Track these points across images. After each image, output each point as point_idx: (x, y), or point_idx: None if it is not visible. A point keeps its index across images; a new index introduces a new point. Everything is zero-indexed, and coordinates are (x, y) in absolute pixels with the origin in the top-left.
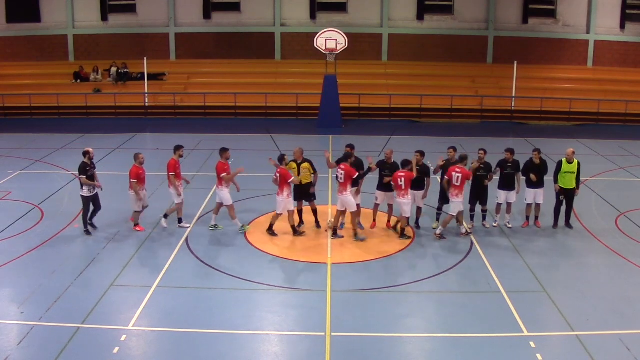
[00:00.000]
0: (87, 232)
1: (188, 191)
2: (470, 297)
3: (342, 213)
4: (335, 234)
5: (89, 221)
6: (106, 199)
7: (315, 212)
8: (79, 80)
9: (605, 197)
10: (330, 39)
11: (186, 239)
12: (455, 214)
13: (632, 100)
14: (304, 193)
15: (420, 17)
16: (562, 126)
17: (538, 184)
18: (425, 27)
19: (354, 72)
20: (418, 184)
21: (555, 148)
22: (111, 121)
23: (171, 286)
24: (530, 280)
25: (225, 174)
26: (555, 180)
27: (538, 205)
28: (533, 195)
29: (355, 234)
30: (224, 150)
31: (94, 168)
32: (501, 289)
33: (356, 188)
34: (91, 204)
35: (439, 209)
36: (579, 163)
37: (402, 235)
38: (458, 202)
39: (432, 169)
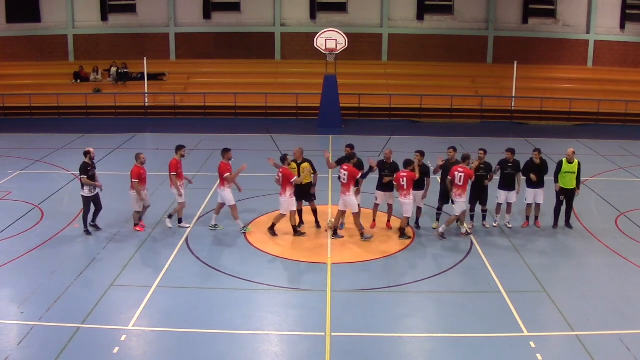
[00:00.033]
0: (87, 232)
1: (187, 191)
2: (470, 297)
3: (343, 213)
4: (335, 234)
5: (92, 223)
6: (106, 199)
7: (315, 212)
8: (79, 80)
9: (605, 197)
10: (330, 39)
11: (186, 239)
12: (458, 214)
13: (632, 100)
14: (304, 193)
15: (420, 17)
16: (562, 126)
17: (538, 184)
18: (425, 27)
19: (354, 72)
20: (418, 184)
21: (555, 148)
22: (111, 121)
23: (171, 286)
24: (530, 280)
25: (228, 174)
26: (556, 180)
27: (538, 205)
28: (533, 195)
29: (362, 234)
30: (226, 151)
31: (95, 168)
32: (501, 289)
33: (356, 188)
34: (92, 205)
35: (439, 209)
36: (579, 163)
37: (402, 235)
38: (462, 202)
39: (432, 169)
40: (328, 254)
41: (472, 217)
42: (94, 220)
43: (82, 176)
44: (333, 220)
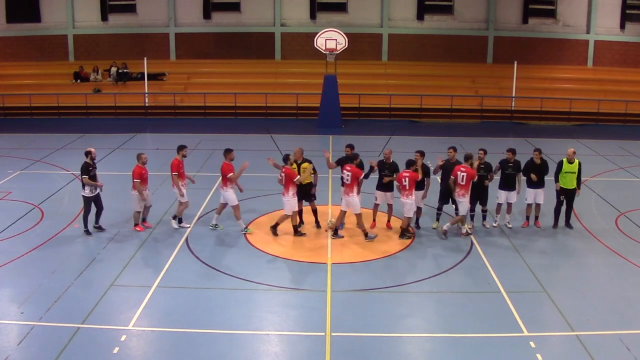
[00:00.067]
0: (87, 232)
1: (188, 191)
2: (470, 297)
3: (344, 213)
4: (335, 234)
5: (95, 225)
6: (107, 199)
7: (315, 212)
8: (79, 80)
9: (605, 197)
10: (330, 39)
11: (186, 239)
12: (464, 214)
13: (632, 100)
14: (304, 193)
15: (420, 17)
16: (562, 126)
17: (538, 184)
18: (425, 27)
19: (354, 72)
20: (418, 184)
21: (555, 148)
22: (111, 121)
23: (171, 286)
24: (530, 280)
25: (231, 174)
26: (556, 180)
27: (538, 205)
28: (533, 195)
29: (366, 235)
30: (228, 151)
31: (96, 168)
32: (501, 289)
33: (357, 188)
34: (93, 205)
35: (439, 209)
36: (579, 163)
37: (403, 235)
38: (465, 202)
39: (431, 169)
40: (328, 254)
41: (472, 217)
42: (97, 221)
43: (83, 176)
44: (333, 220)
